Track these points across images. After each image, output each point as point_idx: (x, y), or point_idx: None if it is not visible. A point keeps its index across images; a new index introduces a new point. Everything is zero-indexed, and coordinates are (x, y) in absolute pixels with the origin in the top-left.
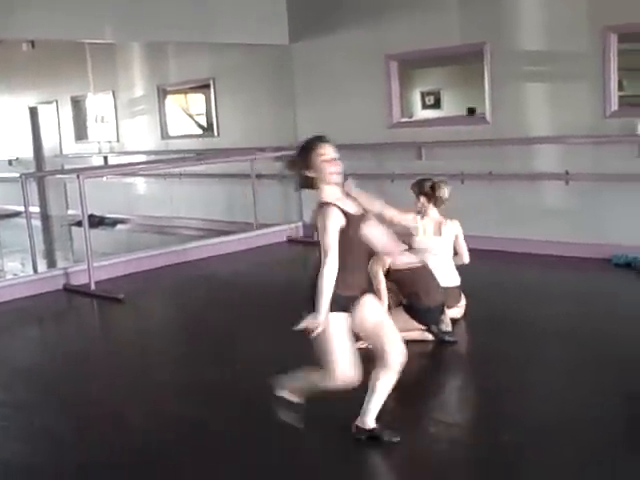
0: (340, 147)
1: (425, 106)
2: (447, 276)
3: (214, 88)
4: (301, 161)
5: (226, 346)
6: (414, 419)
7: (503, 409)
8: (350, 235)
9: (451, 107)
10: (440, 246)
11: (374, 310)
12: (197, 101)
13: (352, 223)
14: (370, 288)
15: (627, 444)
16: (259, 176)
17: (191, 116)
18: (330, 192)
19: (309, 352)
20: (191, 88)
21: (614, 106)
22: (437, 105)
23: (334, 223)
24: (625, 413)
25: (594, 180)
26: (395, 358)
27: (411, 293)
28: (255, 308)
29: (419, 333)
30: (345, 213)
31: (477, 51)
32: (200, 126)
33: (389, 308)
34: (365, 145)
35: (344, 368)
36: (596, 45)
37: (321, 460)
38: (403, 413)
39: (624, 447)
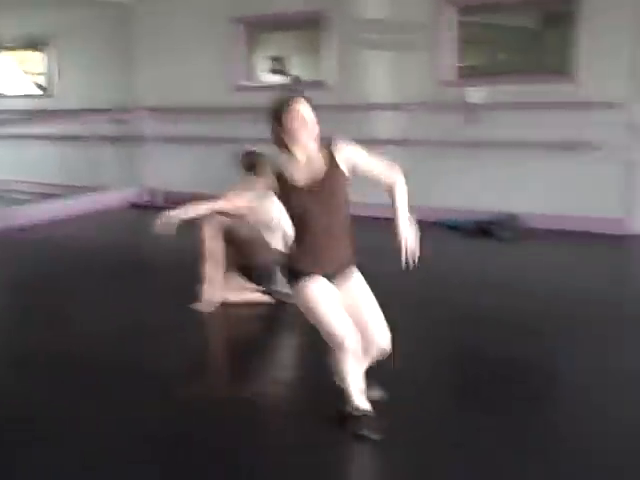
0: (184, 110)
1: (272, 71)
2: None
3: (53, 46)
4: (274, 120)
5: (61, 314)
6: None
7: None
8: (294, 207)
9: (298, 72)
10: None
11: (350, 292)
12: (36, 60)
13: (295, 195)
14: (349, 265)
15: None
16: (99, 138)
17: (29, 75)
18: (290, 157)
19: (147, 316)
20: (29, 46)
21: (450, 75)
22: (283, 70)
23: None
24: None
25: (429, 146)
26: (373, 348)
27: (243, 253)
28: (92, 274)
29: (258, 295)
30: (285, 182)
31: (321, 17)
32: (39, 86)
33: (225, 272)
34: (210, 108)
35: (341, 331)
36: (434, 16)
37: None
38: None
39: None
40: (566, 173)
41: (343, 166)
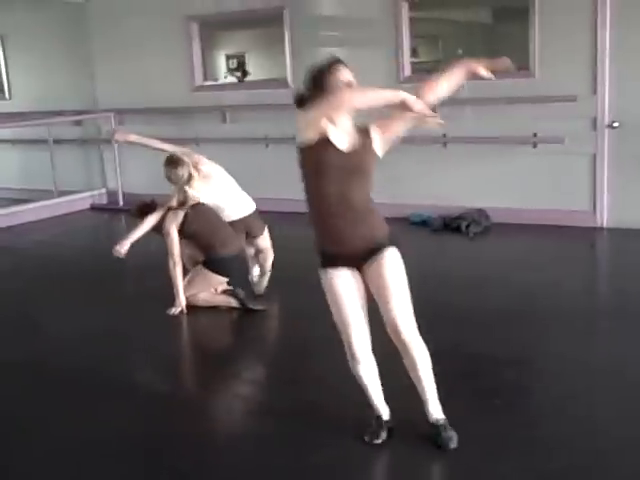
0: (142, 111)
1: (229, 69)
2: (240, 205)
3: (3, 46)
4: (314, 84)
5: (26, 321)
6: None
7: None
8: (317, 163)
9: (256, 71)
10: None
11: (375, 273)
12: None
13: (324, 152)
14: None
15: None
16: (58, 141)
17: None
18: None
19: (113, 323)
20: None
21: (407, 72)
22: (242, 68)
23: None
24: None
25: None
26: (394, 335)
27: (206, 246)
28: (55, 280)
29: (223, 298)
30: (323, 138)
31: (277, 15)
32: None
33: (186, 270)
34: (168, 108)
35: (348, 335)
36: (388, 12)
37: None
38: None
39: None
40: (531, 167)
41: (377, 145)
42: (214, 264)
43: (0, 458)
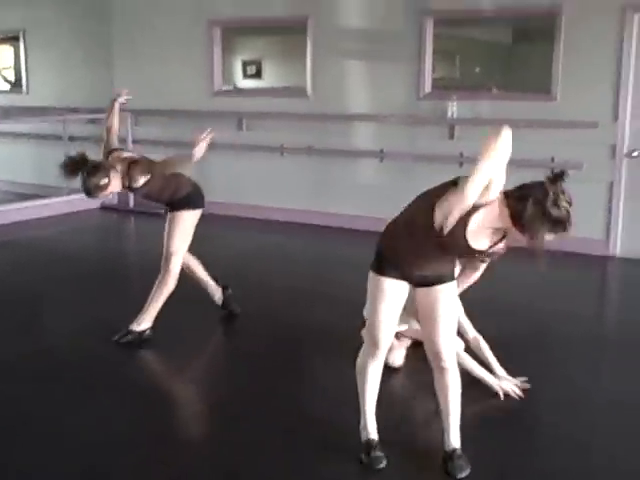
0: (160, 113)
1: (246, 75)
2: None
3: (24, 40)
4: None
5: (34, 317)
6: None
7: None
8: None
9: (272, 78)
10: None
11: (428, 299)
12: (5, 54)
13: None
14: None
15: None
16: (73, 138)
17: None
18: None
19: (124, 316)
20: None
21: (427, 88)
22: (258, 75)
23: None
24: None
25: (406, 159)
26: (433, 355)
27: (165, 198)
28: (63, 278)
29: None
30: None
31: (301, 24)
32: (7, 81)
33: None
34: (186, 112)
35: (380, 336)
36: (413, 27)
37: None
38: None
39: None
40: None
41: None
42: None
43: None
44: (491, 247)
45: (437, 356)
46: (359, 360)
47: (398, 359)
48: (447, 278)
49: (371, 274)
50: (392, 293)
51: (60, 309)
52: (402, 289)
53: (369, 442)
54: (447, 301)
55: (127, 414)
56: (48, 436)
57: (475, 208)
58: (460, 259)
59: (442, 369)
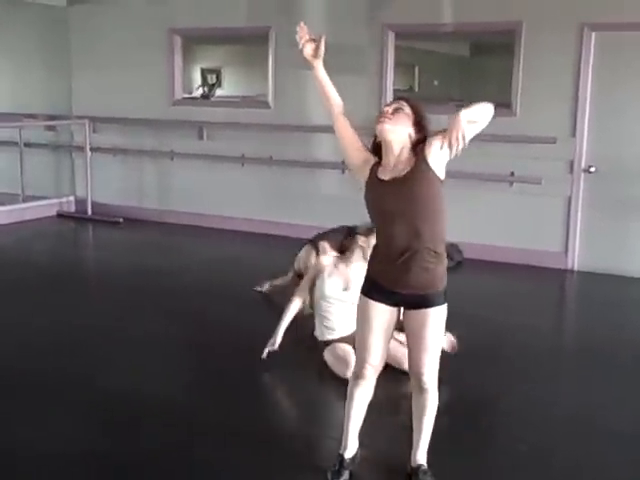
0: (119, 121)
1: (206, 84)
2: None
3: None
4: None
5: None
6: None
7: None
8: (372, 202)
9: (232, 87)
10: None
11: (415, 323)
12: None
13: (376, 189)
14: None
15: None
16: (29, 144)
17: None
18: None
19: (72, 327)
20: None
21: (389, 100)
22: (218, 84)
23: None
24: None
25: None
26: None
27: None
28: (15, 287)
29: None
30: (372, 174)
31: (262, 34)
32: None
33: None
34: (145, 120)
35: (364, 352)
36: (374, 40)
37: None
38: None
39: None
40: (506, 206)
41: (435, 166)
42: None
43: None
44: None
45: (419, 377)
46: (349, 381)
47: None
48: (440, 296)
49: (360, 297)
50: (375, 315)
51: (10, 316)
52: (389, 314)
53: (342, 459)
54: (437, 325)
55: (81, 422)
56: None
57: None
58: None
59: (422, 389)
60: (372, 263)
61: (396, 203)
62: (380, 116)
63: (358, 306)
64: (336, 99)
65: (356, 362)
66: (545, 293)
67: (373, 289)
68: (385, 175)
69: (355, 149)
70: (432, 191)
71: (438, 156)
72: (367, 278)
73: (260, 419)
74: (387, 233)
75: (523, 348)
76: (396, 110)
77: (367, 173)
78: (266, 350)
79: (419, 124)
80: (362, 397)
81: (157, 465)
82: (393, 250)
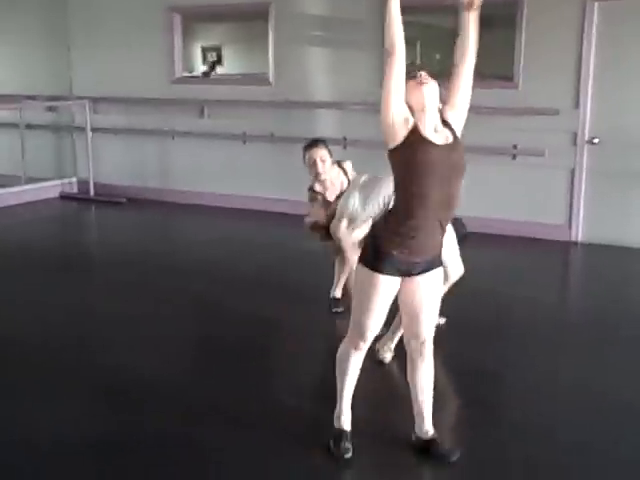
0: (120, 100)
1: (206, 62)
2: None
3: None
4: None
5: None
6: None
7: None
8: (419, 166)
9: (233, 65)
10: None
11: (417, 291)
12: None
13: (425, 150)
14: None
15: None
16: (30, 126)
17: None
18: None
19: (76, 306)
20: None
21: None
22: (219, 62)
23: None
24: None
25: (369, 146)
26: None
27: None
28: (17, 269)
29: None
30: (417, 133)
31: (262, 10)
32: None
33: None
34: (146, 99)
35: (368, 331)
36: (375, 14)
37: None
38: None
39: None
40: (510, 179)
41: (457, 129)
42: None
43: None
44: None
45: (423, 342)
46: (341, 350)
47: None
48: (440, 260)
49: (363, 267)
50: (385, 291)
51: (16, 298)
52: (394, 287)
53: (341, 432)
54: (439, 285)
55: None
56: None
57: None
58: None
59: (423, 356)
60: (389, 236)
61: (447, 169)
62: (419, 78)
63: (361, 280)
64: (402, 39)
65: (359, 334)
66: (548, 265)
67: (386, 262)
68: (434, 138)
69: (401, 101)
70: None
71: (459, 126)
72: (378, 251)
73: (262, 397)
74: (430, 197)
75: (526, 321)
76: (429, 76)
77: (406, 132)
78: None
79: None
80: (358, 366)
81: (160, 446)
82: (430, 216)
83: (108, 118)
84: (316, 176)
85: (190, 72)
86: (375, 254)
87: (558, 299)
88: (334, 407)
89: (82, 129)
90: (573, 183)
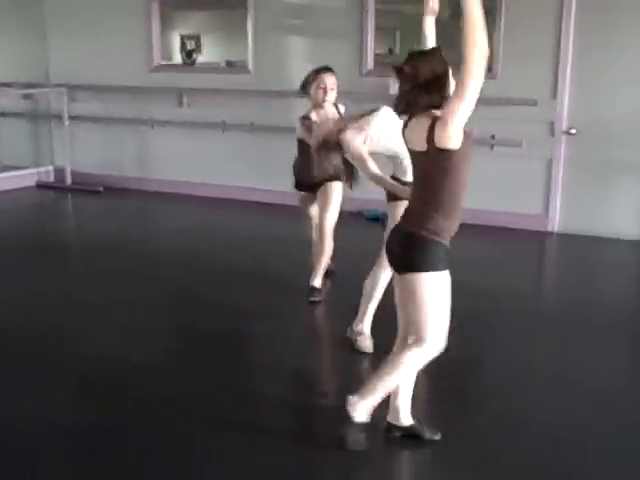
0: (96, 88)
1: (185, 50)
2: None
3: None
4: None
5: None
6: None
7: None
8: (466, 160)
9: (212, 53)
10: None
11: None
12: None
13: (468, 145)
14: None
15: None
16: (4, 114)
17: None
18: None
19: (55, 294)
20: None
21: (370, 65)
22: (198, 50)
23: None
24: None
25: None
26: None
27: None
28: None
29: None
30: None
31: None
32: None
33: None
34: (124, 87)
35: (441, 336)
36: (354, 3)
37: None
38: None
39: None
40: (487, 169)
41: None
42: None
43: None
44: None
45: (411, 334)
46: (415, 358)
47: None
48: None
49: (427, 269)
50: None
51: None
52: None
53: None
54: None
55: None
56: None
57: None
58: None
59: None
60: (440, 232)
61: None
62: None
63: (433, 286)
64: None
65: (442, 338)
66: (525, 256)
67: (445, 258)
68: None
69: None
70: None
71: None
72: (440, 250)
73: (243, 384)
74: (466, 185)
75: (503, 310)
76: None
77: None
78: None
79: None
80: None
81: (143, 431)
82: (461, 207)
83: (85, 106)
84: (318, 103)
85: (169, 60)
86: (440, 254)
87: (534, 289)
88: (315, 395)
89: (59, 117)
90: (550, 173)
